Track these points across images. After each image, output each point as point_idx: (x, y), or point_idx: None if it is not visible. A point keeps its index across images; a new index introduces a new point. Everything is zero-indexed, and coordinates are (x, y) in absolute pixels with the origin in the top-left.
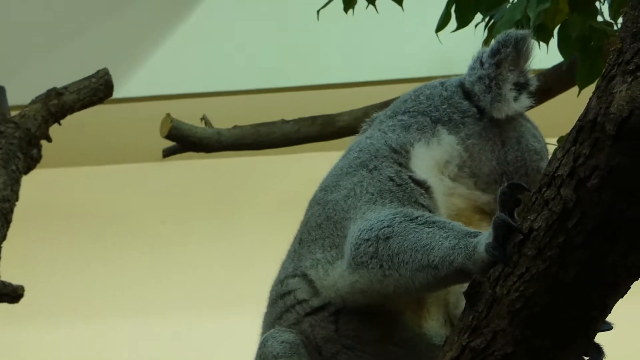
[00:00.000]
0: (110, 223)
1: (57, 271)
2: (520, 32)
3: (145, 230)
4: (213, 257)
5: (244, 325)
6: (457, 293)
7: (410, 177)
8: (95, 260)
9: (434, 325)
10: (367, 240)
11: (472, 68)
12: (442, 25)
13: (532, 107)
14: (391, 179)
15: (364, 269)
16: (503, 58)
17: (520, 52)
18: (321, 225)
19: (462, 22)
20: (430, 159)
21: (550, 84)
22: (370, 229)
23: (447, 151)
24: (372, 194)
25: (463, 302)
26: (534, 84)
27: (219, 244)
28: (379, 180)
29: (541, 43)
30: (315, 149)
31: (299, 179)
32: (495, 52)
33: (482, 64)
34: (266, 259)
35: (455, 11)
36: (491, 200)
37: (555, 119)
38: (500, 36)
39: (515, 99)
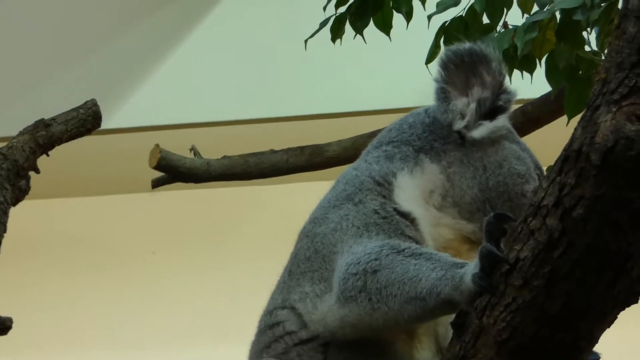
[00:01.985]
0: (99, 254)
1: (46, 303)
2: (466, 45)
3: (135, 261)
4: (203, 287)
5: (233, 355)
6: (446, 324)
7: (394, 209)
8: (85, 291)
9: (425, 356)
10: (355, 274)
11: None
12: (431, 57)
13: (503, 125)
14: (376, 212)
15: (352, 303)
16: (438, 70)
17: (473, 64)
18: (310, 258)
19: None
20: (415, 188)
21: (539, 114)
22: (358, 263)
23: (430, 180)
24: (358, 227)
25: (452, 333)
26: (506, 100)
27: (209, 273)
28: (364, 214)
29: (526, 73)
30: (304, 179)
31: (288, 209)
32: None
33: None
34: (256, 288)
35: (444, 42)
36: (476, 229)
37: (544, 148)
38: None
39: (488, 117)
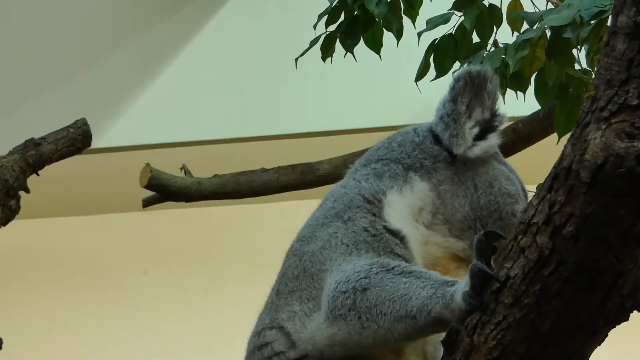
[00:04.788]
0: (90, 273)
1: (37, 322)
2: (476, 67)
3: (127, 280)
4: (195, 305)
5: None
6: (435, 343)
7: (384, 227)
8: (76, 311)
9: None
10: (344, 292)
11: (437, 110)
12: (421, 74)
13: (500, 145)
14: (365, 230)
15: (342, 322)
16: (457, 92)
17: (479, 87)
18: (298, 276)
19: (441, 71)
20: (405, 206)
21: (529, 131)
22: (347, 281)
23: (420, 198)
24: (348, 245)
25: (441, 352)
26: (500, 122)
27: (200, 292)
28: (354, 231)
29: (517, 92)
30: (296, 197)
31: (280, 228)
32: (450, 89)
33: (443, 103)
34: (248, 307)
35: (433, 60)
36: (466, 246)
37: (534, 166)
38: (455, 73)
39: (481, 137)
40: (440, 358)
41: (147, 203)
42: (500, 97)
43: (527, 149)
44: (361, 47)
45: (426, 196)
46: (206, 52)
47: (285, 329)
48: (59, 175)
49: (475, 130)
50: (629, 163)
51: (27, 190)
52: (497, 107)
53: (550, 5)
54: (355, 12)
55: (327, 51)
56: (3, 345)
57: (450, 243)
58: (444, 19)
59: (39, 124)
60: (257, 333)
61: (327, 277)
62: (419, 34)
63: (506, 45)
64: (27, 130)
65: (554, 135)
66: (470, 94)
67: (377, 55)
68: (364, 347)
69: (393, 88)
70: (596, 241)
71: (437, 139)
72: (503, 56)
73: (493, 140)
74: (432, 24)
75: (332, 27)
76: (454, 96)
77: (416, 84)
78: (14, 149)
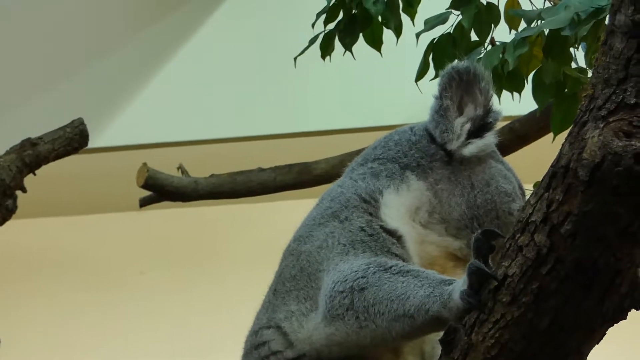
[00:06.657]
0: (87, 273)
1: (33, 323)
2: (463, 63)
3: (124, 281)
4: (192, 306)
5: None
6: (433, 342)
7: (381, 226)
8: (73, 311)
9: None
10: (342, 292)
11: (430, 108)
12: (421, 74)
13: (497, 143)
14: (362, 229)
15: (339, 321)
16: (442, 88)
17: (469, 83)
18: (295, 276)
19: (440, 70)
20: (401, 205)
21: (526, 131)
22: (345, 281)
23: (416, 197)
24: (344, 245)
25: (439, 350)
26: (495, 118)
27: (197, 292)
28: (350, 231)
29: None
30: (293, 196)
31: (277, 227)
32: (438, 85)
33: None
34: (245, 306)
35: (432, 59)
36: (463, 245)
37: (530, 165)
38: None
39: (477, 135)
40: (438, 357)
41: (144, 203)
42: (494, 94)
43: (524, 148)
44: (358, 46)
45: (423, 195)
46: (203, 52)
47: (282, 328)
48: (55, 175)
49: (468, 126)
50: (627, 161)
51: (24, 190)
52: (490, 103)
53: (547, 4)
54: (354, 11)
55: (326, 50)
56: (0, 345)
57: (447, 242)
58: (441, 18)
59: (35, 124)
60: (254, 332)
61: (324, 277)
62: (417, 35)
63: (503, 44)
64: (24, 130)
65: (550, 135)
66: (460, 90)
67: (375, 55)
68: (362, 347)
69: (390, 87)
70: (594, 239)
71: (433, 138)
72: (501, 55)
73: (489, 138)
74: (430, 24)
75: (331, 26)
76: (440, 92)
77: (416, 84)
78: (10, 148)
